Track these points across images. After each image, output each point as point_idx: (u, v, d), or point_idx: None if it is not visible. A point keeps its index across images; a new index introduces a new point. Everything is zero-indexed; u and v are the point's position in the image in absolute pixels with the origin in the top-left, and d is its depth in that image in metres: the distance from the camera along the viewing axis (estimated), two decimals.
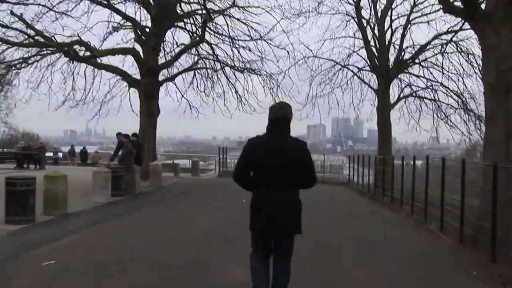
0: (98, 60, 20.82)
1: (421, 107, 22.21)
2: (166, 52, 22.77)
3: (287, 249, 4.89)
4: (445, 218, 10.40)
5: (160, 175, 19.17)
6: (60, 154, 39.92)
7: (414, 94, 21.75)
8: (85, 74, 22.19)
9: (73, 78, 21.59)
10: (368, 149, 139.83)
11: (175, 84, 22.94)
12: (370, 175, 20.92)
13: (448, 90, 20.81)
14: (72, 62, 20.84)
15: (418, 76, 21.19)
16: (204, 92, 23.20)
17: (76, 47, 19.46)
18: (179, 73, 22.60)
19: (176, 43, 22.90)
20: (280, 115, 4.74)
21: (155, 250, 7.67)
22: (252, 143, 4.79)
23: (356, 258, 7.80)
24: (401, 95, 21.78)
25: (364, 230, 10.37)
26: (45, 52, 20.25)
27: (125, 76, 21.56)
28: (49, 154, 39.44)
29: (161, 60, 22.05)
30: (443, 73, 20.65)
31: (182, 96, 23.21)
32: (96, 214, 11.52)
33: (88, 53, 19.44)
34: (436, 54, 20.40)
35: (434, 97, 21.63)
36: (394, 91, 21.89)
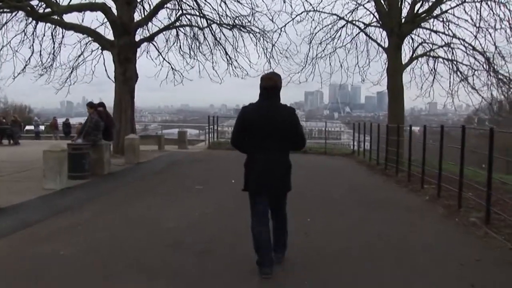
0: (63, 20, 17.94)
1: (435, 69, 19.45)
2: (143, 8, 19.79)
3: (283, 207, 5.48)
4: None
5: (136, 150, 16.53)
6: (42, 127, 37.42)
7: (428, 54, 18.89)
8: (52, 36, 19.35)
9: (33, 39, 18.69)
10: (365, 115, 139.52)
11: (155, 45, 20.01)
12: (375, 145, 18.38)
13: (469, 48, 17.96)
14: (31, 21, 17.95)
15: (436, 32, 18.15)
16: (189, 54, 20.29)
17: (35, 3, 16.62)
18: (159, 31, 19.51)
19: None
20: (271, 84, 5.18)
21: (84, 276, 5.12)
22: (245, 110, 5.24)
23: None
24: (414, 55, 18.93)
25: (388, 229, 7.75)
26: None
27: (97, 37, 18.72)
28: (30, 127, 36.96)
29: (138, 18, 19.16)
30: (464, 28, 17.79)
31: (164, 59, 20.31)
32: (34, 209, 8.85)
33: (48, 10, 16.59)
34: (456, 6, 17.39)
35: (452, 57, 18.85)
36: (405, 51, 19.07)
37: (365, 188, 12.15)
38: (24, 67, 19.19)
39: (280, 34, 19.56)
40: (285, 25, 19.46)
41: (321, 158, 20.89)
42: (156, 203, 9.45)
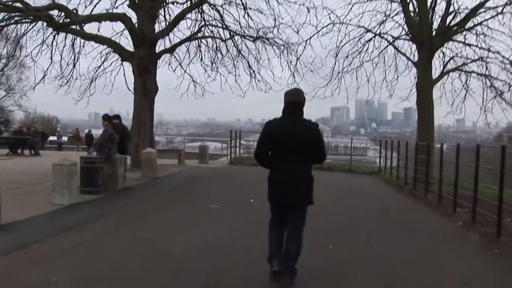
0: (83, 29, 17.61)
1: (467, 84, 18.52)
2: (164, 19, 19.30)
3: (300, 219, 5.43)
4: None
5: (154, 165, 15.98)
6: (65, 138, 37.37)
7: (461, 68, 18.01)
8: (73, 47, 19.01)
9: (52, 50, 18.36)
10: (392, 132, 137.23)
11: (175, 57, 19.45)
12: (402, 162, 17.47)
13: (505, 62, 16.99)
14: (52, 32, 17.65)
15: (469, 45, 17.30)
16: (211, 66, 19.70)
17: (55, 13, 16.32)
18: (180, 43, 19.00)
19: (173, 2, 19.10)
20: (295, 100, 5.37)
21: None
22: (270, 125, 5.39)
23: None
24: (445, 70, 18.05)
25: (418, 259, 6.95)
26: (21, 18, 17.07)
27: (116, 47, 18.33)
28: (53, 138, 36.84)
29: (158, 29, 18.71)
30: (500, 40, 16.87)
31: (185, 71, 19.76)
32: (36, 226, 8.26)
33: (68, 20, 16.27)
34: (491, 18, 16.48)
35: (486, 71, 17.92)
36: (435, 65, 18.19)
37: (392, 211, 11.34)
38: (43, 77, 18.91)
39: (305, 47, 18.97)
40: (310, 38, 18.87)
41: (346, 176, 20.06)
42: (167, 223, 8.81)
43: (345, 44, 18.84)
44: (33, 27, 17.69)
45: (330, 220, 9.39)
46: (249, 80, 19.68)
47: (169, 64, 20.05)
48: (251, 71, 19.61)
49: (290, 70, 19.25)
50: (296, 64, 19.06)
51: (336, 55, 18.96)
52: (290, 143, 5.17)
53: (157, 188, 13.92)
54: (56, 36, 18.22)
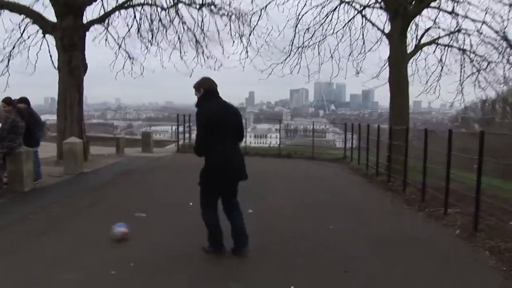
0: None
1: (442, 61, 16.36)
2: None
3: (235, 193, 5.93)
4: None
5: (79, 157, 13.17)
6: None
7: (436, 41, 15.77)
8: None
9: None
10: (350, 113, 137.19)
11: (107, 28, 16.46)
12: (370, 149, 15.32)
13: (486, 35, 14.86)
14: None
15: (451, 13, 14.98)
16: (150, 40, 16.83)
17: None
18: (111, 11, 16.04)
19: None
20: (215, 87, 5.78)
21: None
22: (208, 114, 5.57)
23: None
24: (420, 43, 15.77)
25: None
26: None
27: (36, 18, 15.30)
28: None
29: None
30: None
31: (119, 46, 16.81)
32: None
33: None
34: None
35: (463, 46, 15.76)
36: (408, 40, 15.86)
37: (369, 214, 8.96)
38: None
39: (260, 16, 16.32)
40: (266, 6, 16.22)
41: (308, 164, 17.68)
42: (60, 249, 6.17)
43: (306, 12, 16.40)
44: None
45: (288, 234, 7.01)
46: (196, 56, 16.98)
47: (106, 40, 17.12)
48: (198, 46, 16.91)
49: (243, 44, 16.68)
50: (249, 36, 16.48)
51: (296, 26, 16.45)
52: (228, 127, 5.63)
53: (75, 187, 11.14)
54: None
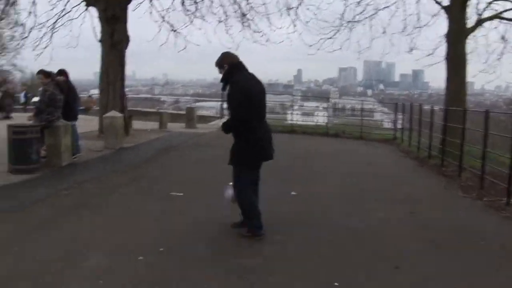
0: None
1: (504, 37, 15.14)
2: None
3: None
4: None
5: (119, 132, 12.92)
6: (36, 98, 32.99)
7: (500, 15, 14.55)
8: None
9: None
10: (399, 93, 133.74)
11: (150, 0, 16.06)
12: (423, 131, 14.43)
13: None
14: None
15: None
16: (195, 13, 16.32)
17: None
18: None
19: None
20: (240, 60, 5.46)
21: None
22: (245, 82, 5.28)
23: None
24: (481, 17, 14.60)
25: None
26: None
27: None
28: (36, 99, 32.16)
29: None
30: None
31: (163, 19, 16.40)
32: None
33: None
34: None
35: None
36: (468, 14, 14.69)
37: (422, 203, 8.20)
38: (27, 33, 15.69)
39: None
40: None
41: (356, 144, 16.95)
42: (89, 228, 5.81)
43: None
44: None
45: (335, 226, 6.42)
46: (241, 29, 16.37)
47: (150, 13, 16.73)
48: (244, 19, 16.30)
49: (291, 18, 15.96)
50: (297, 9, 15.74)
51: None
52: (263, 100, 5.48)
53: (114, 164, 10.86)
54: None
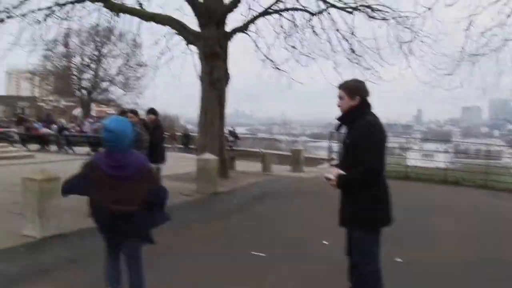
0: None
1: None
2: None
3: None
4: None
5: (212, 176, 12.07)
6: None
7: None
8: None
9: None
10: None
11: (248, 35, 15.22)
12: None
13: None
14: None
15: None
16: (300, 49, 15.28)
17: None
18: (254, 18, 14.82)
19: None
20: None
21: None
22: (382, 128, 3.98)
23: None
24: None
25: None
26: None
27: (180, 28, 14.71)
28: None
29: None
30: None
31: (266, 57, 15.52)
32: None
33: None
34: None
35: None
36: None
37: None
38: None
39: (424, 20, 13.90)
40: (429, 9, 13.68)
41: (480, 195, 14.50)
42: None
43: (479, 13, 13.57)
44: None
45: None
46: (350, 66, 15.05)
47: (256, 46, 15.87)
48: (354, 54, 14.97)
49: (403, 52, 14.36)
50: (410, 43, 14.12)
51: (467, 30, 13.70)
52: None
53: (199, 212, 9.93)
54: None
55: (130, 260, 4.26)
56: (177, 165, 15.44)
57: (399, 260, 6.42)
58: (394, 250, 6.45)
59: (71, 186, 4.05)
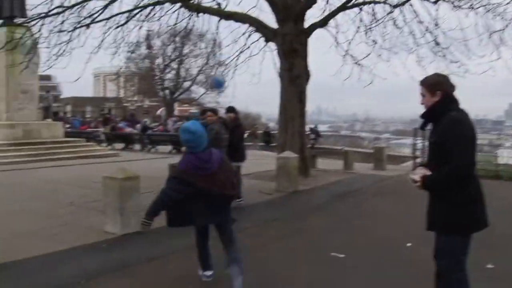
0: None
1: None
2: None
3: None
4: None
5: (292, 174, 11.94)
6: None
7: None
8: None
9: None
10: None
11: (329, 31, 14.89)
12: None
13: None
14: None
15: None
16: (380, 42, 14.75)
17: None
18: (333, 13, 14.40)
19: None
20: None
21: None
22: (470, 123, 3.70)
23: None
24: None
25: None
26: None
27: (259, 25, 14.69)
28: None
29: None
30: None
31: (346, 52, 15.09)
32: (21, 277, 5.22)
33: None
34: None
35: None
36: None
37: None
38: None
39: None
40: None
41: None
42: None
43: None
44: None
45: None
46: (433, 60, 14.34)
47: (336, 42, 15.48)
48: (438, 47, 14.24)
49: (493, 43, 13.47)
50: (502, 32, 13.22)
51: None
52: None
53: (280, 209, 9.87)
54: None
55: (233, 240, 4.87)
56: (257, 163, 15.48)
57: (490, 266, 5.98)
58: (485, 256, 6.02)
59: (178, 194, 4.48)
